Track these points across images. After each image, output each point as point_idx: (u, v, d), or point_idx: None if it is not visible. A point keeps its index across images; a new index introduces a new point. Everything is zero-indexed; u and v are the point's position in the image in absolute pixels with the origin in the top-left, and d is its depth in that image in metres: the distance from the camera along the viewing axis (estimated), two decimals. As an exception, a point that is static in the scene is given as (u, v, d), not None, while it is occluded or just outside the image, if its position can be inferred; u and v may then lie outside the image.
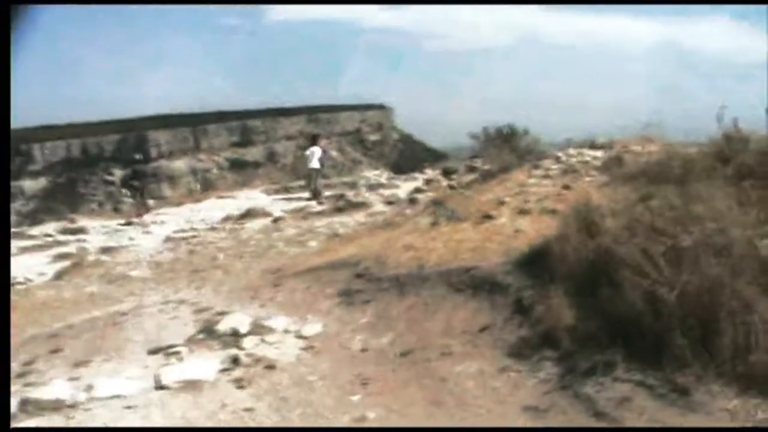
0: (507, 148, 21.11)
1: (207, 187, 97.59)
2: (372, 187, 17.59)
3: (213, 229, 16.29)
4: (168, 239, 15.69)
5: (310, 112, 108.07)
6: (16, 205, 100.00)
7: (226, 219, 17.40)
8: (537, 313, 6.87)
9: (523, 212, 9.52)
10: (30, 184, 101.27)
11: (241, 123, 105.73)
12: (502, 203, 10.16)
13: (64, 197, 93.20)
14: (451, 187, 15.36)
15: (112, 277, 12.83)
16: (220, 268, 12.32)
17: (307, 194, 22.30)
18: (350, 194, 16.72)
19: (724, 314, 5.83)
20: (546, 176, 12.36)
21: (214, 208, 22.24)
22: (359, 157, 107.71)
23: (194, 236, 15.59)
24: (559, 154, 13.85)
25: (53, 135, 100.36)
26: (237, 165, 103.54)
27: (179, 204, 25.38)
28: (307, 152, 23.36)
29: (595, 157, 13.51)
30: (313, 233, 13.82)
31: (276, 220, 15.66)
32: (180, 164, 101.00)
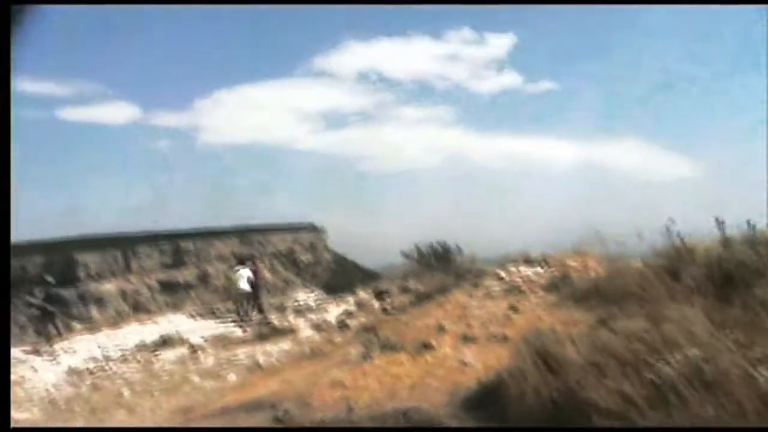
0: (442, 267, 20.08)
1: (137, 309, 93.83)
2: (300, 312, 16.15)
3: (124, 359, 14.46)
4: (72, 371, 13.80)
5: (242, 233, 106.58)
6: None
7: (141, 348, 15.59)
8: (493, 470, 5.49)
9: (467, 340, 8.26)
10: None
11: (173, 244, 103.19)
12: (442, 329, 8.90)
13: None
14: (384, 311, 14.05)
15: (-5, 420, 10.89)
16: (124, 407, 10.58)
17: (235, 318, 20.66)
18: (275, 320, 15.18)
19: (729, 466, 4.59)
20: (488, 296, 11.22)
21: (132, 335, 20.32)
22: (292, 277, 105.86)
23: (102, 368, 13.75)
24: (500, 272, 12.79)
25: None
26: (168, 287, 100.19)
27: (95, 330, 23.29)
28: (235, 274, 21.85)
29: (538, 274, 12.49)
30: (233, 365, 12.22)
31: (194, 349, 13.98)
32: (109, 286, 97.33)
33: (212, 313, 25.76)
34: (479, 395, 6.32)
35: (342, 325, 13.49)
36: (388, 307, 14.28)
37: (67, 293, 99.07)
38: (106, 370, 13.59)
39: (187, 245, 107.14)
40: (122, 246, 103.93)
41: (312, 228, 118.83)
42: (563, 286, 10.82)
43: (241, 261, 23.52)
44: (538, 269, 13.37)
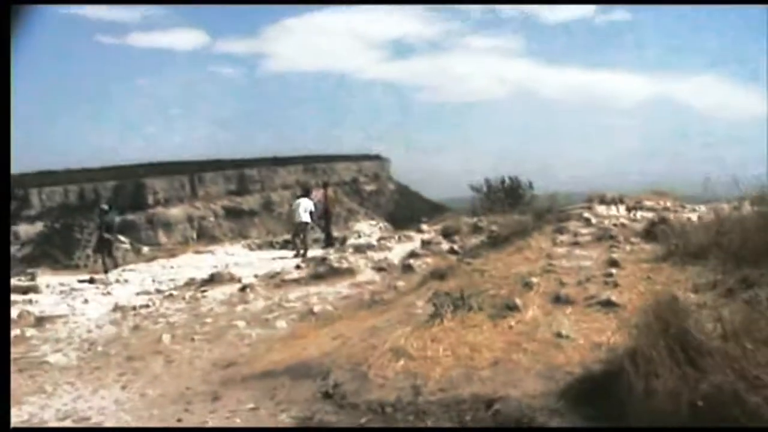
0: (518, 204, 18.38)
1: (203, 234, 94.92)
2: (360, 249, 14.69)
3: (171, 296, 13.31)
4: (116, 308, 12.73)
5: (307, 162, 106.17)
6: (11, 249, 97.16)
7: (190, 284, 14.43)
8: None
9: (560, 302, 6.65)
10: (26, 229, 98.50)
11: (238, 172, 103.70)
12: (528, 285, 7.30)
13: (60, 242, 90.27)
14: (453, 252, 12.51)
15: (27, 362, 9.83)
16: (161, 354, 9.39)
17: (292, 251, 19.50)
18: (333, 257, 13.76)
19: None
20: (576, 243, 9.55)
21: (186, 266, 19.38)
22: (356, 207, 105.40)
23: (146, 305, 12.64)
24: (587, 214, 11.10)
25: (51, 180, 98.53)
26: (233, 213, 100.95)
27: (151, 259, 22.48)
28: (295, 204, 20.61)
29: (632, 219, 10.77)
30: (284, 308, 10.90)
31: (244, 288, 12.69)
32: (176, 212, 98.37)
33: (270, 244, 24.71)
34: (586, 386, 4.75)
35: (406, 268, 12.03)
36: (458, 249, 12.74)
37: (136, 217, 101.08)
38: (150, 307, 12.49)
39: (252, 173, 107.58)
40: (189, 172, 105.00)
41: (376, 158, 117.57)
42: (663, 234, 9.07)
43: (306, 190, 22.21)
44: (623, 211, 11.73)
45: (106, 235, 21.91)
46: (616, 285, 6.79)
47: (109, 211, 22.85)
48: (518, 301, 6.73)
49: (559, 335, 5.72)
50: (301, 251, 18.72)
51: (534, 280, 7.39)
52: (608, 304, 6.20)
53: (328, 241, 21.23)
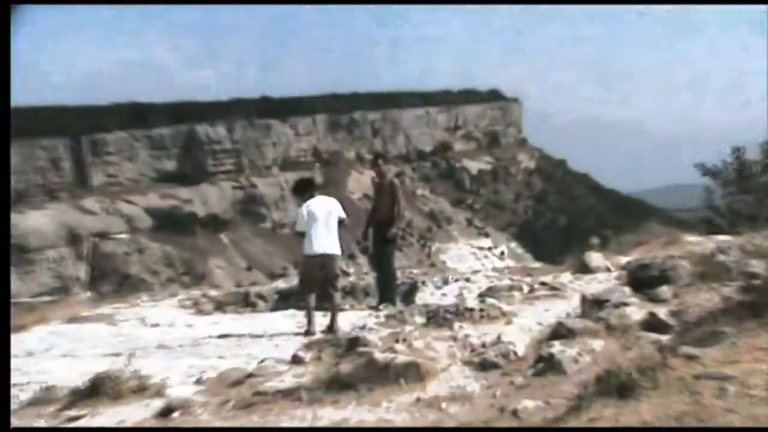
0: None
1: (102, 270, 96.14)
2: (437, 317, 14.30)
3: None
4: None
5: (336, 105, 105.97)
6: None
7: (48, 398, 14.17)
8: None
9: None
10: None
11: (182, 129, 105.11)
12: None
13: None
14: (656, 327, 12.11)
15: None
16: None
17: (302, 316, 18.97)
18: (375, 338, 13.40)
19: None
20: None
21: (45, 353, 19.23)
22: (447, 207, 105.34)
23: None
24: None
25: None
26: (167, 221, 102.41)
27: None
28: (303, 211, 19.41)
29: None
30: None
31: (168, 411, 12.21)
32: (41, 219, 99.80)
33: (244, 299, 24.38)
34: None
35: (545, 363, 11.65)
36: (667, 318, 12.35)
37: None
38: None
39: (210, 131, 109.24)
40: (73, 132, 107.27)
41: (492, 97, 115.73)
42: None
43: (304, 184, 21.24)
44: None
45: None
46: None
47: None
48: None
49: None
50: (323, 322, 18.25)
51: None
52: None
53: (384, 291, 20.57)
